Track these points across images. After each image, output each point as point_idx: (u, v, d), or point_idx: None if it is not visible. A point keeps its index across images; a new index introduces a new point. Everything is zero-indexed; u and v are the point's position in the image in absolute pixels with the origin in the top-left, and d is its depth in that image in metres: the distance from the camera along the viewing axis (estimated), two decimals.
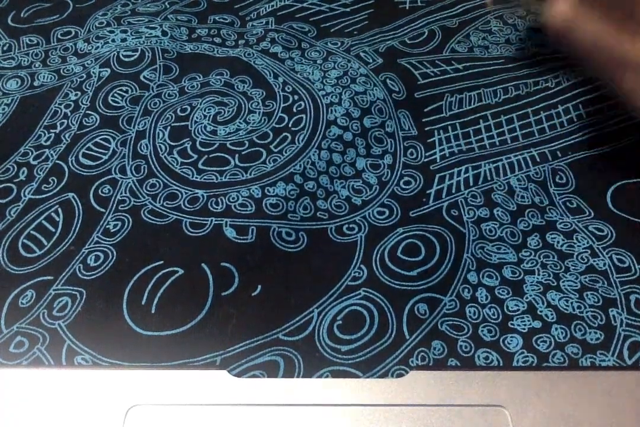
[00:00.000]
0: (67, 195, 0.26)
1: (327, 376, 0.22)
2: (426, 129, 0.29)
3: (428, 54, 0.33)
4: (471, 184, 0.27)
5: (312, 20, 0.34)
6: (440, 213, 0.26)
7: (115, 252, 0.25)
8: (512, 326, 0.23)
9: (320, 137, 0.28)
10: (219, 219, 0.26)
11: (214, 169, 0.27)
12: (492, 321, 0.23)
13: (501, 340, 0.23)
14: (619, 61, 0.24)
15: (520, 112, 0.30)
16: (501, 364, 0.22)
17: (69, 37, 0.33)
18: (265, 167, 0.27)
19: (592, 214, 0.26)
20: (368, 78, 0.31)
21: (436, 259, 0.25)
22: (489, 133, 0.29)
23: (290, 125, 0.29)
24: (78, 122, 0.29)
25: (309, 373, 0.22)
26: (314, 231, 0.26)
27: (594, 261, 0.25)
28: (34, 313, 0.23)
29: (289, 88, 0.31)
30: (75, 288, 0.24)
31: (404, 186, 0.27)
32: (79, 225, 0.25)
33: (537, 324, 0.23)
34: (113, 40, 0.32)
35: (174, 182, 0.27)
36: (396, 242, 0.25)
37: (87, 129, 0.29)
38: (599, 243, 0.26)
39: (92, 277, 0.24)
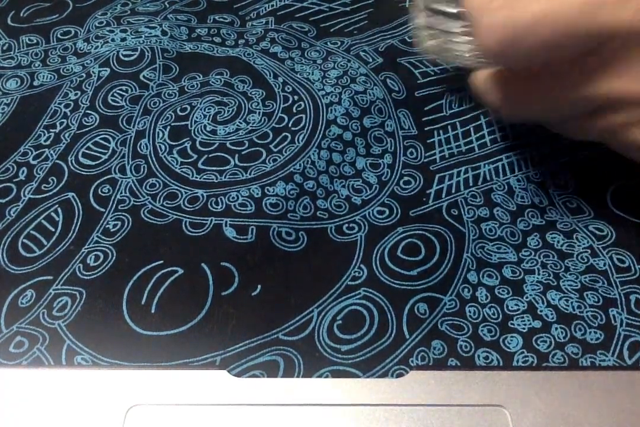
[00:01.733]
0: (67, 195, 0.26)
1: (327, 376, 0.22)
2: (426, 128, 0.29)
3: None
4: (471, 184, 0.27)
5: (312, 20, 0.34)
6: (440, 212, 0.26)
7: (115, 252, 0.25)
8: (512, 326, 0.23)
9: (320, 136, 0.28)
10: (219, 218, 0.26)
11: (214, 168, 0.27)
12: (492, 320, 0.23)
13: (501, 340, 0.23)
14: None
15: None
16: (501, 364, 0.22)
17: (69, 36, 0.33)
18: (265, 167, 0.27)
19: (592, 213, 0.26)
20: (368, 77, 0.31)
21: (436, 258, 0.25)
22: (490, 128, 0.29)
23: (290, 125, 0.29)
24: (78, 122, 0.29)
25: (308, 373, 0.22)
26: (314, 231, 0.26)
27: (594, 261, 0.25)
28: (33, 313, 0.23)
29: (288, 88, 0.31)
30: (75, 288, 0.24)
31: (403, 186, 0.27)
32: (78, 225, 0.25)
33: (537, 324, 0.23)
34: (113, 40, 0.32)
35: (174, 182, 0.27)
36: (396, 242, 0.25)
37: (87, 129, 0.29)
38: (599, 243, 0.26)
39: (92, 277, 0.24)
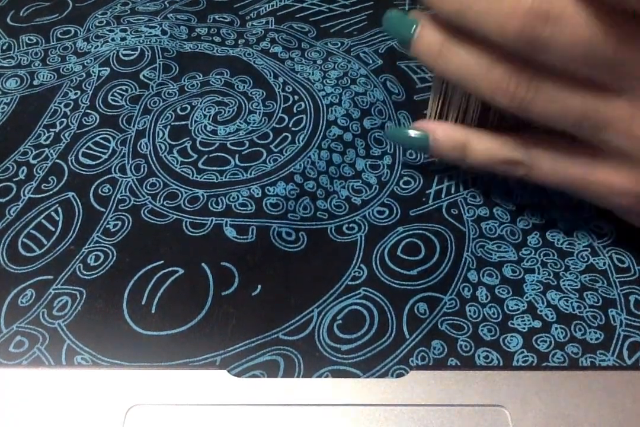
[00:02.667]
0: (67, 194, 0.26)
1: (327, 376, 0.22)
2: None
3: None
4: (470, 184, 0.28)
5: (312, 20, 0.34)
6: (440, 212, 0.26)
7: (115, 252, 0.25)
8: (512, 326, 0.23)
9: (321, 137, 0.28)
10: (219, 218, 0.26)
11: (214, 168, 0.27)
12: (492, 320, 0.23)
13: (501, 339, 0.23)
14: None
15: None
16: (501, 364, 0.22)
17: (69, 36, 0.33)
18: (265, 167, 0.27)
19: (592, 212, 0.27)
20: (368, 79, 0.31)
21: (436, 257, 0.25)
22: None
23: (290, 125, 0.29)
24: (78, 122, 0.29)
25: (309, 373, 0.22)
26: (314, 231, 0.26)
27: (594, 260, 0.25)
28: (33, 313, 0.23)
29: (289, 88, 0.30)
30: (75, 288, 0.24)
31: (403, 186, 0.27)
32: (78, 224, 0.25)
33: (537, 324, 0.23)
34: (113, 39, 0.32)
35: (174, 182, 0.27)
36: (396, 242, 0.25)
37: (87, 128, 0.29)
38: (599, 241, 0.26)
39: (92, 276, 0.24)
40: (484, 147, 0.24)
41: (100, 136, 0.28)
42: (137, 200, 0.26)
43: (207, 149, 0.28)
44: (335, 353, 0.22)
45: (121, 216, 0.26)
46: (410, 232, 0.26)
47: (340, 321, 0.23)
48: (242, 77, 0.31)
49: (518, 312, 0.23)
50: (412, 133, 0.25)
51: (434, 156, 0.27)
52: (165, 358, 0.22)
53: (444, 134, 0.25)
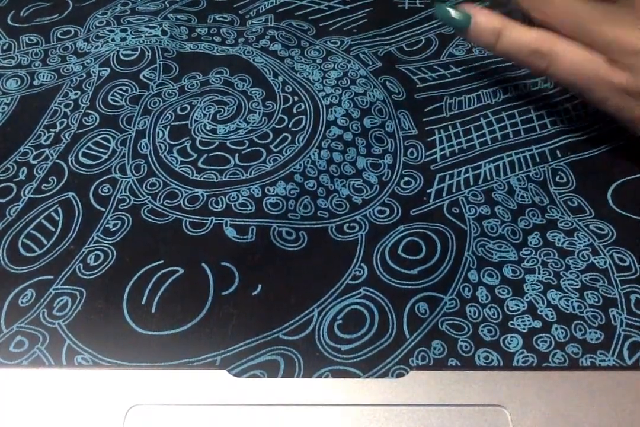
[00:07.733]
0: (67, 194, 0.26)
1: (327, 376, 0.22)
2: (426, 128, 0.29)
3: (426, 60, 0.32)
4: (471, 183, 0.27)
5: (311, 18, 0.34)
6: (441, 211, 0.26)
7: (115, 252, 0.25)
8: (512, 326, 0.23)
9: (320, 137, 0.28)
10: (219, 218, 0.26)
11: (214, 168, 0.27)
12: (492, 320, 0.23)
13: (501, 340, 0.23)
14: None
15: (522, 109, 0.30)
16: (501, 364, 0.22)
17: (69, 36, 0.33)
18: (265, 167, 0.27)
19: (593, 212, 0.26)
20: (367, 80, 0.31)
21: (437, 257, 0.25)
22: (490, 128, 0.29)
23: (290, 126, 0.29)
24: (78, 122, 0.29)
25: (309, 372, 0.22)
26: (315, 230, 0.26)
27: (595, 259, 0.25)
28: (34, 312, 0.23)
29: (288, 88, 0.30)
30: (75, 287, 0.24)
31: (404, 186, 0.27)
32: (78, 224, 0.25)
33: (537, 324, 0.23)
34: (113, 40, 0.32)
35: (174, 181, 0.27)
36: (397, 240, 0.25)
37: (87, 129, 0.29)
38: (600, 241, 0.26)
39: (92, 276, 0.24)
40: (517, 35, 0.27)
41: (101, 136, 0.28)
42: (137, 200, 0.26)
43: (206, 148, 0.28)
44: (336, 353, 0.22)
45: (121, 216, 0.26)
46: (412, 230, 0.26)
47: (340, 321, 0.23)
48: (241, 75, 0.31)
49: (518, 312, 0.23)
50: (455, 13, 0.27)
51: (469, 38, 0.28)
52: (165, 358, 0.22)
53: (485, 18, 0.27)
